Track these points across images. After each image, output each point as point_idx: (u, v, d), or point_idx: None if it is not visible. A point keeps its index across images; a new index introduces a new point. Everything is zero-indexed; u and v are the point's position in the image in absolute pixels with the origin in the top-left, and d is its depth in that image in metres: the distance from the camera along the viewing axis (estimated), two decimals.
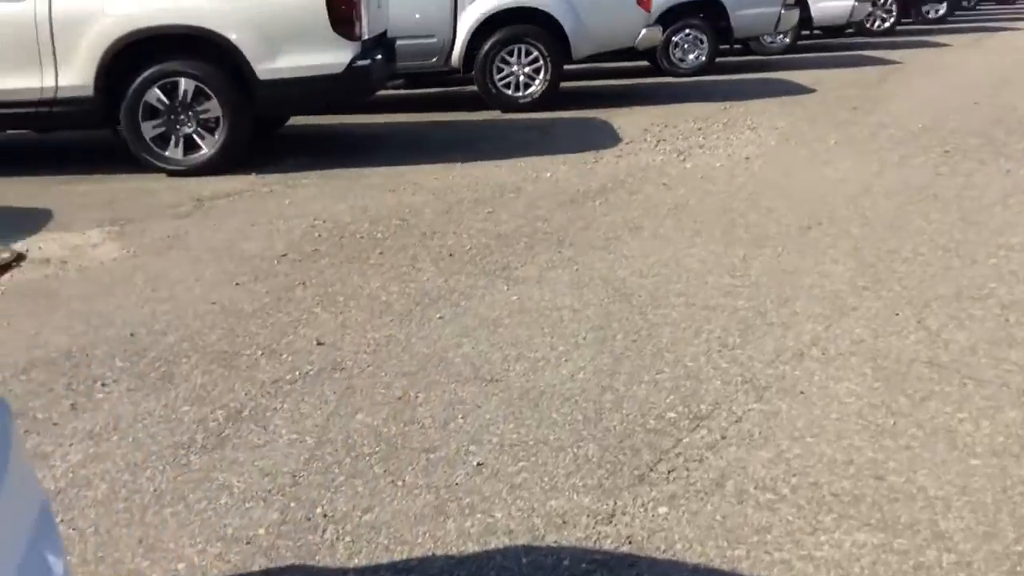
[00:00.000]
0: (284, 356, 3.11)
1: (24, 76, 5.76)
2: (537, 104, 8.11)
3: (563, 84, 8.51)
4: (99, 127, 6.05)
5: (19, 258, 4.21)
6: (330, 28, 5.92)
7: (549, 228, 4.55)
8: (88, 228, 4.71)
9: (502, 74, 8.20)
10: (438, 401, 2.76)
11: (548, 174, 5.70)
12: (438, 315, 3.46)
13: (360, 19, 6.04)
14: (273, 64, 5.86)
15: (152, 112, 5.84)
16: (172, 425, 2.63)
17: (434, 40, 8.23)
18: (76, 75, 5.78)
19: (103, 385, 2.89)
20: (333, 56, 5.96)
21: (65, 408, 2.73)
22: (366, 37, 6.18)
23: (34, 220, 4.85)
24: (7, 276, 3.98)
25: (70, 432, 2.59)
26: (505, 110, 8.15)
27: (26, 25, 5.71)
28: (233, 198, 5.29)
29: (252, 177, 5.74)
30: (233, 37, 5.79)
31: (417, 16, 8.08)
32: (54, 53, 5.76)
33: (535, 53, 8.16)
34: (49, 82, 5.78)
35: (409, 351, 3.13)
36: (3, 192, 5.51)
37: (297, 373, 2.97)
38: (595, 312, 3.44)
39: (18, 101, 5.81)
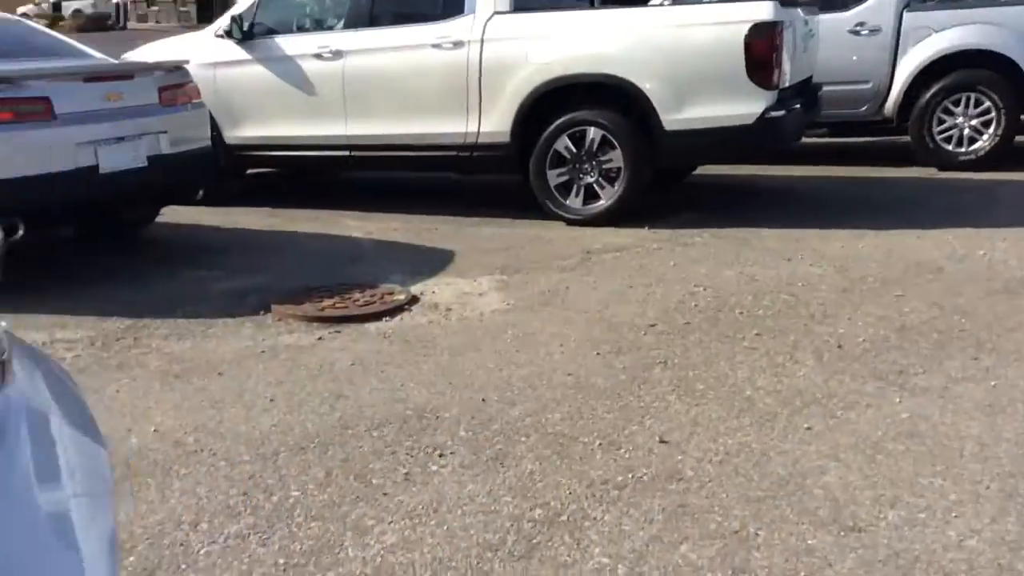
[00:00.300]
0: (622, 451, 2.86)
1: (451, 121, 6.18)
2: (982, 163, 7.05)
3: (1019, 138, 7.31)
4: (511, 173, 6.30)
5: (413, 301, 4.45)
6: (746, 76, 5.60)
7: (969, 324, 3.81)
8: (480, 275, 4.87)
9: (943, 126, 7.25)
10: (780, 546, 2.33)
11: (981, 252, 4.85)
12: (806, 425, 3.00)
13: (779, 67, 5.64)
14: (680, 114, 5.68)
15: (559, 160, 5.96)
16: (489, 517, 2.51)
17: (867, 86, 7.52)
18: (496, 122, 6.07)
19: (440, 456, 2.87)
20: (745, 106, 5.63)
21: (399, 477, 2.74)
22: (785, 85, 5.77)
23: (438, 262, 5.14)
24: (397, 319, 4.21)
25: (394, 507, 2.57)
26: (942, 168, 7.19)
27: (459, 73, 6.11)
28: (620, 254, 5.17)
29: (644, 231, 5.60)
30: (646, 87, 5.70)
31: (854, 58, 7.44)
32: (480, 100, 6.11)
33: (987, 103, 7.10)
34: (472, 127, 6.14)
35: (761, 468, 2.72)
36: (425, 230, 5.94)
37: (630, 476, 2.71)
38: (1009, 451, 2.75)
39: (445, 144, 6.26)
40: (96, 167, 4.82)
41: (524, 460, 2.82)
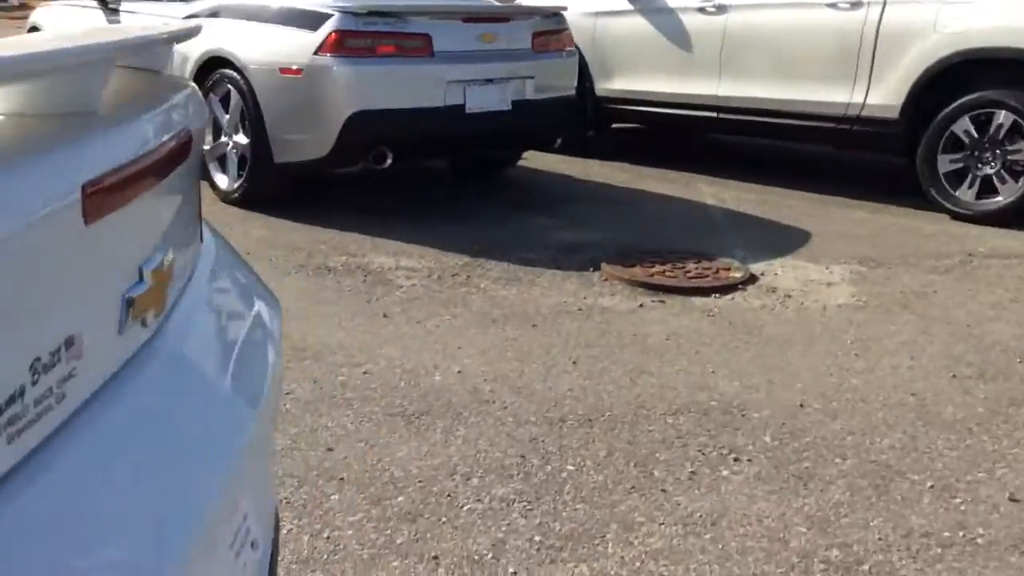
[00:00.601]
0: (957, 501, 2.36)
1: (834, 90, 5.62)
2: None
3: None
4: (894, 153, 5.61)
5: (750, 280, 4.09)
6: None
7: None
8: (834, 262, 4.37)
9: None
10: None
11: None
12: None
13: None
14: None
15: (954, 145, 5.19)
16: (774, 546, 2.18)
17: None
18: (886, 94, 5.43)
19: (735, 460, 2.56)
20: None
21: (683, 475, 2.48)
22: None
23: (788, 241, 4.71)
24: (728, 298, 3.89)
25: (670, 507, 2.33)
26: None
27: (851, 36, 5.52)
28: (1011, 261, 4.38)
29: None
30: None
31: None
32: (871, 69, 5.49)
33: None
34: (857, 98, 5.54)
35: None
36: (783, 204, 5.50)
37: (962, 534, 2.22)
38: None
39: (823, 115, 5.71)
40: (463, 106, 4.96)
41: (832, 487, 2.43)
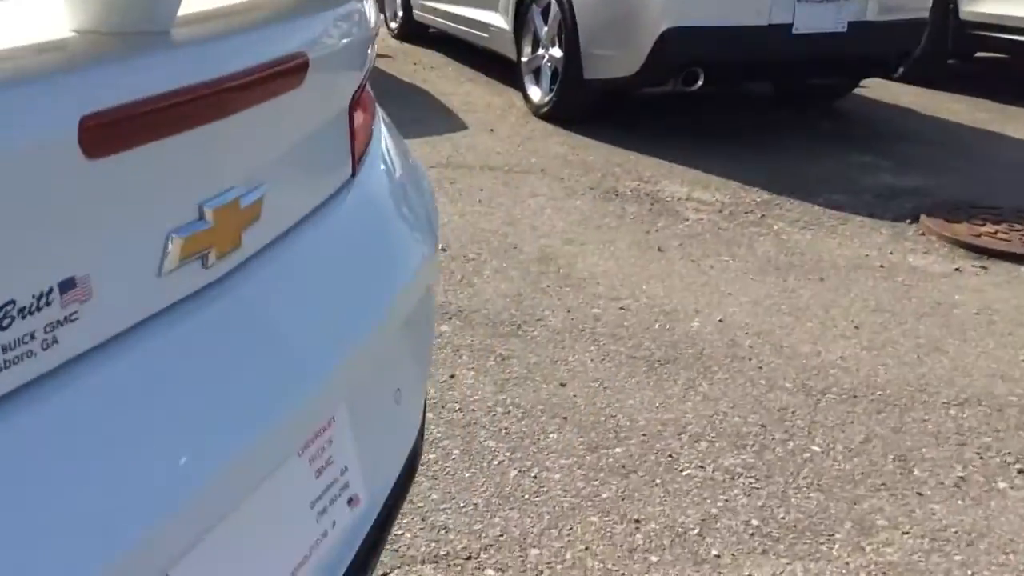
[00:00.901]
0: None
1: None
2: None
3: None
4: None
5: None
6: None
7: None
8: None
9: None
10: None
11: None
12: None
13: None
14: None
15: None
16: None
17: None
18: None
19: (1020, 472, 2.14)
20: None
21: (949, 480, 2.12)
22: None
23: None
24: None
25: (922, 515, 2.00)
26: None
27: None
28: None
29: None
30: None
31: None
32: None
33: None
34: None
35: None
36: None
37: None
38: None
39: None
40: (790, 26, 4.53)
41: None
